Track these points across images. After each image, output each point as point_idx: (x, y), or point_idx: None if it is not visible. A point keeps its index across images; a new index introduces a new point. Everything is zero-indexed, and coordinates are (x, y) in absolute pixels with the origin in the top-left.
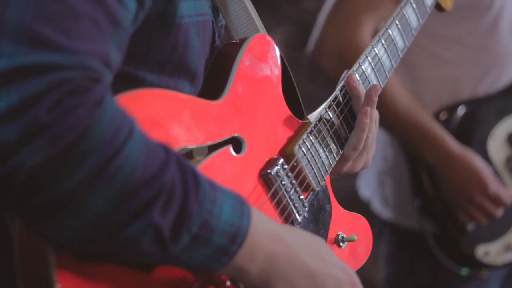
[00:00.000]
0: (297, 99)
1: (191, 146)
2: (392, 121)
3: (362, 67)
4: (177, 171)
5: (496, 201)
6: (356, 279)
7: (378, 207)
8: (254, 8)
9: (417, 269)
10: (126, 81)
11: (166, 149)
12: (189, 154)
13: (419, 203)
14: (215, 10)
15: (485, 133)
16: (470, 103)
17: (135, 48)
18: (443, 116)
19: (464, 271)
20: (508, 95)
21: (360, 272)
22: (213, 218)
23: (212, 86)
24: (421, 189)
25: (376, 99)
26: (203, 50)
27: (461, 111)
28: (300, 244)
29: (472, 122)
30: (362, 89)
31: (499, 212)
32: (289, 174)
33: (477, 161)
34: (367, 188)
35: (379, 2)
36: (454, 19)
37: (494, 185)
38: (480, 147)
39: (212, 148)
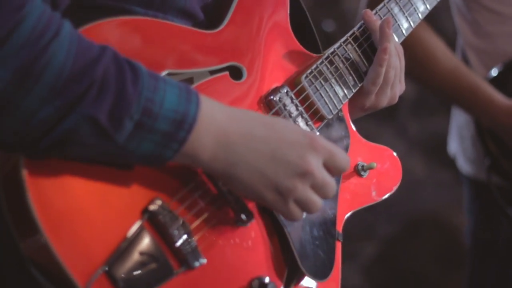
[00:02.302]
0: (313, 35)
1: (180, 70)
2: (437, 85)
3: (387, 6)
4: (112, 64)
5: None
6: (319, 141)
7: (461, 162)
8: None
9: (494, 224)
10: (112, 13)
11: (101, 47)
12: (189, 80)
13: (489, 162)
14: None
15: None
16: None
17: None
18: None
19: None
20: None
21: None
22: (155, 105)
23: (212, 19)
24: (488, 149)
25: (389, 32)
26: None
27: None
28: (255, 122)
29: None
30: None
31: None
32: (294, 100)
33: None
34: (452, 143)
35: None
36: None
37: None
38: None
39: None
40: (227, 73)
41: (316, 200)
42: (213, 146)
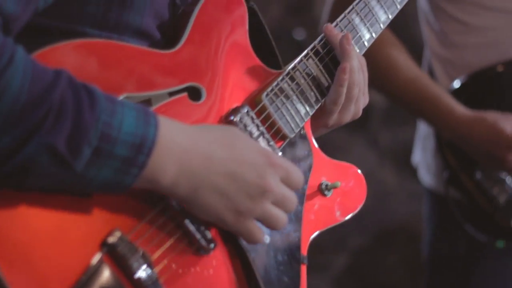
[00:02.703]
0: (273, 51)
1: (138, 93)
2: (399, 95)
3: (348, 17)
4: (68, 89)
5: None
6: (276, 159)
7: (422, 173)
8: None
9: (452, 239)
10: (65, 36)
11: (56, 72)
12: (148, 102)
13: (448, 175)
14: None
15: None
16: (508, 64)
17: (69, 4)
18: (500, 68)
19: (500, 244)
20: None
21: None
22: (113, 129)
23: (169, 39)
24: (447, 161)
25: (349, 48)
26: (150, 8)
27: (502, 69)
28: (215, 144)
29: (503, 85)
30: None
31: None
32: (255, 120)
33: (490, 118)
34: (416, 154)
35: None
36: None
37: None
38: None
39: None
40: (185, 94)
41: (279, 214)
42: (173, 170)
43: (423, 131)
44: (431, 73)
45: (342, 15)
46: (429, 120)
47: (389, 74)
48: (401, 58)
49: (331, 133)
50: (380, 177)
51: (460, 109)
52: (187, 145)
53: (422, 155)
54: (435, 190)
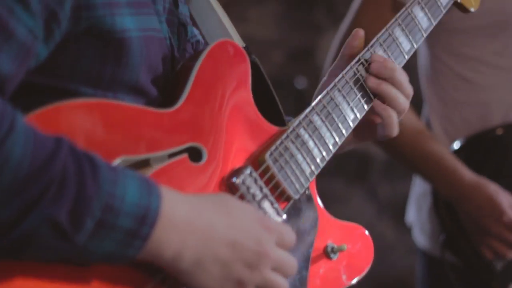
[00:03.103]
0: (276, 107)
1: (136, 156)
2: (401, 151)
3: (354, 69)
4: (70, 159)
5: None
6: (268, 223)
7: (416, 233)
8: (228, 19)
9: None
10: (58, 95)
11: (57, 140)
12: (145, 162)
13: (444, 238)
14: (181, 25)
15: None
16: (508, 127)
17: (62, 62)
18: (500, 131)
19: None
20: None
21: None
22: (116, 200)
23: (170, 96)
24: (443, 222)
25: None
26: (147, 65)
27: (503, 131)
28: (214, 213)
29: (504, 149)
30: None
31: None
32: (259, 181)
33: (492, 189)
34: (410, 212)
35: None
36: (482, 39)
37: (510, 213)
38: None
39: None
40: (186, 155)
41: (279, 280)
42: (177, 242)
43: (419, 190)
44: (429, 130)
45: (348, 67)
46: (429, 178)
47: None
48: None
49: (330, 183)
50: (378, 230)
51: (463, 169)
52: (189, 216)
53: (417, 215)
54: (429, 251)
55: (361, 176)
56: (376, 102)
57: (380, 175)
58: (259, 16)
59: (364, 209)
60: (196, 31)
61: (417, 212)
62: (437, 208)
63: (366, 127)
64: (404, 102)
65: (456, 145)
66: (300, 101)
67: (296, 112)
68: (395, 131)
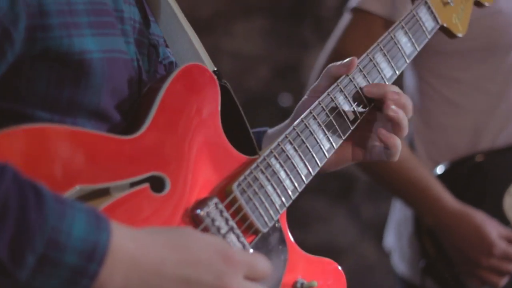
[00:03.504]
0: (247, 134)
1: (94, 185)
2: (385, 176)
3: (331, 95)
4: (13, 188)
5: (507, 258)
6: (235, 256)
7: (396, 259)
8: (199, 41)
9: None
10: (11, 120)
11: (0, 167)
12: (104, 191)
13: (424, 264)
14: (152, 46)
15: (502, 188)
16: (487, 154)
17: (18, 84)
18: (480, 158)
19: None
20: None
21: None
22: (62, 235)
23: (133, 122)
24: (424, 250)
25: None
26: (110, 88)
27: (487, 157)
28: (166, 248)
29: (488, 175)
30: None
31: None
32: (224, 213)
33: (478, 219)
34: (389, 238)
35: None
36: (471, 63)
37: (500, 244)
38: (494, 203)
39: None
40: (147, 185)
41: None
42: (123, 280)
43: (399, 216)
44: (414, 155)
45: (325, 94)
46: (412, 204)
47: None
48: None
49: (312, 202)
50: (360, 250)
51: (448, 198)
52: (136, 254)
53: (397, 241)
54: (408, 279)
55: (344, 195)
56: (382, 131)
57: (363, 195)
58: (245, 31)
59: (347, 229)
60: (169, 52)
61: (397, 238)
62: (419, 235)
63: (354, 149)
64: (407, 126)
65: (440, 169)
66: (285, 118)
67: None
68: (397, 156)
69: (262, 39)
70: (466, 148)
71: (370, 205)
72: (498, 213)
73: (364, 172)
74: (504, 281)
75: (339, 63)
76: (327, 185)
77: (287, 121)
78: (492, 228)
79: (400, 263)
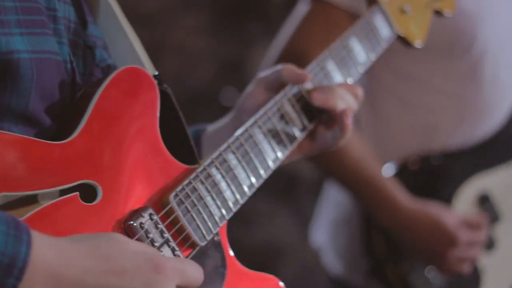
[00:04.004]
0: (187, 142)
1: (20, 192)
2: (341, 174)
3: (279, 102)
4: None
5: (472, 244)
6: (165, 263)
7: (330, 259)
8: (139, 42)
9: None
10: None
11: None
12: (32, 199)
13: (370, 265)
14: (87, 48)
15: (451, 191)
16: (439, 156)
17: None
18: (415, 163)
19: None
20: (482, 150)
21: None
22: None
23: (65, 127)
24: (372, 250)
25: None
26: (39, 91)
27: (437, 159)
28: (89, 258)
29: (437, 179)
30: None
31: (479, 252)
32: (159, 224)
33: (434, 212)
34: (319, 235)
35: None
36: (426, 60)
37: (462, 233)
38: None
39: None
40: (76, 194)
41: None
42: None
43: (336, 214)
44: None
45: (272, 102)
46: (367, 203)
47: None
48: None
49: (253, 200)
50: (303, 250)
51: (403, 197)
52: (58, 265)
53: (332, 240)
54: (345, 279)
55: (287, 194)
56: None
57: (306, 194)
58: (189, 26)
59: (289, 228)
60: (108, 55)
61: (332, 237)
62: (369, 235)
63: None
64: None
65: (389, 169)
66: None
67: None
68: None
69: (206, 35)
70: (416, 147)
71: (313, 204)
72: None
73: (322, 171)
74: (469, 267)
75: (293, 69)
76: (269, 183)
77: (228, 118)
78: (449, 218)
79: (336, 263)
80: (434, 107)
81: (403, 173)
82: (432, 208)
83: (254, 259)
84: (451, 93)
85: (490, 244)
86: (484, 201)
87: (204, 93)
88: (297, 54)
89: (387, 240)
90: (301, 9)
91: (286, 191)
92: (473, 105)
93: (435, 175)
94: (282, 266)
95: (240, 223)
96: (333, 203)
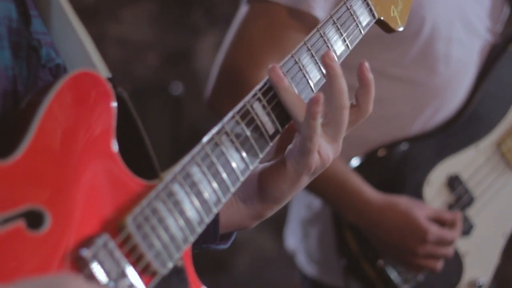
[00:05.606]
0: (147, 153)
1: None
2: None
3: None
4: None
5: (443, 242)
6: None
7: (302, 260)
8: (91, 41)
9: None
10: None
11: None
12: None
13: (345, 263)
14: (31, 49)
15: (421, 177)
16: (404, 142)
17: None
18: (382, 152)
19: None
20: (448, 132)
21: None
22: None
23: (6, 143)
24: (346, 248)
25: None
26: None
27: (403, 147)
28: None
29: (405, 165)
30: None
31: (451, 251)
32: (116, 253)
33: (403, 205)
34: (292, 238)
35: (284, 36)
36: (375, 50)
37: (433, 230)
38: (414, 194)
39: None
40: (20, 223)
41: None
42: None
43: (304, 216)
44: None
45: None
46: (332, 201)
47: None
48: None
49: None
50: (258, 242)
51: (368, 191)
52: None
53: (302, 241)
54: (321, 280)
55: None
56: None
57: None
58: (133, 16)
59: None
60: (54, 53)
61: (302, 238)
62: (339, 233)
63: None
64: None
65: (355, 162)
66: (176, 108)
67: (172, 121)
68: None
69: (150, 25)
70: (380, 139)
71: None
72: None
73: None
74: (441, 264)
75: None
76: None
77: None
78: (420, 212)
79: (307, 264)
80: (393, 96)
81: (371, 163)
82: (402, 201)
83: (209, 253)
84: (407, 80)
85: (467, 229)
86: (456, 184)
87: (151, 84)
88: (237, 67)
89: (357, 236)
90: (241, 12)
91: None
92: (431, 88)
93: (403, 161)
94: (238, 259)
95: None
96: (302, 204)
